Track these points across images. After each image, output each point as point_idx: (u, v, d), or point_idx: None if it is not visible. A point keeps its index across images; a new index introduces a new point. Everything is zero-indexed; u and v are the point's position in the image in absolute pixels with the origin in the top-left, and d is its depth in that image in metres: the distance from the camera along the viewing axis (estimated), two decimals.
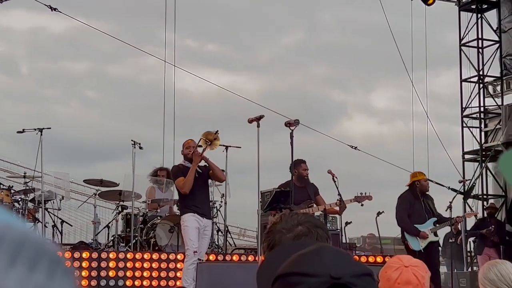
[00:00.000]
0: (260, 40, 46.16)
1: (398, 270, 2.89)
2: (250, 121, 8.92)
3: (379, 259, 10.50)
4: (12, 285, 0.63)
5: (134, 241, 10.48)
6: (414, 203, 10.30)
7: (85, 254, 9.41)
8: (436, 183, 10.69)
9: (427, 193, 10.46)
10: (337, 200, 9.41)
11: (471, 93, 16.42)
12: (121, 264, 9.46)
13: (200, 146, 8.74)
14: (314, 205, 9.48)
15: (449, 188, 10.94)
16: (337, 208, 9.59)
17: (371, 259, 10.65)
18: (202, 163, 8.76)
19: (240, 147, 11.06)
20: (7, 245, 0.65)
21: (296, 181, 9.43)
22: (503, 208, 15.74)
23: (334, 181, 9.39)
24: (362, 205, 9.73)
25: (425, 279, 2.92)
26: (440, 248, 10.74)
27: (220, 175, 9.03)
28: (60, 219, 11.47)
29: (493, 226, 13.11)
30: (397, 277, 2.86)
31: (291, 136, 8.55)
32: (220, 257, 9.88)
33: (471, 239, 14.00)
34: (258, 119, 8.83)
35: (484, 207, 14.83)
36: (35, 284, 0.65)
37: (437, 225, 10.25)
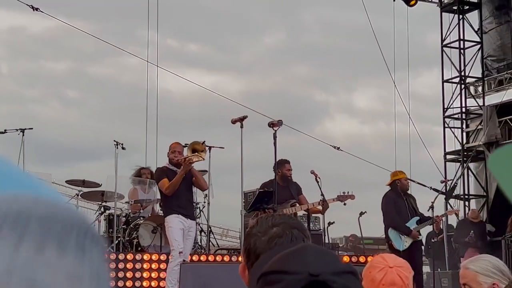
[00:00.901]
0: (242, 41, 46.17)
1: (383, 270, 2.89)
2: (234, 122, 8.93)
3: (361, 259, 10.54)
4: (42, 273, 0.61)
5: (117, 241, 10.45)
6: (398, 201, 10.35)
7: None
8: (418, 183, 10.75)
9: (408, 192, 10.52)
10: (320, 200, 9.43)
11: (453, 94, 16.54)
12: None
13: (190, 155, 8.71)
14: (297, 205, 9.50)
15: (431, 188, 11.01)
16: (319, 208, 9.61)
17: (354, 259, 10.68)
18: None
19: (223, 148, 11.06)
20: (34, 224, 0.63)
21: (280, 180, 9.45)
22: (485, 208, 15.86)
23: (317, 181, 9.42)
24: (344, 204, 9.76)
25: (409, 279, 2.92)
26: (423, 248, 10.77)
27: (203, 184, 9.07)
28: None
29: (473, 232, 13.20)
30: (381, 278, 2.86)
31: (275, 137, 8.57)
32: (203, 258, 9.87)
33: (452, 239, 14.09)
34: (242, 119, 8.84)
35: (467, 214, 14.89)
36: (66, 271, 0.62)
37: (420, 224, 10.30)
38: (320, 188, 9.44)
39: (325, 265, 1.23)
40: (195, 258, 9.71)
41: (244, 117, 8.87)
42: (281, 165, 9.52)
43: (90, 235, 0.66)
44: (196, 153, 8.66)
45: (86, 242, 0.65)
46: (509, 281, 3.13)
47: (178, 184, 8.49)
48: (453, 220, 14.98)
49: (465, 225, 13.78)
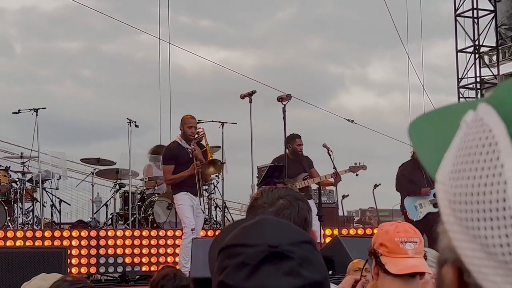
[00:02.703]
0: (254, 15, 45.92)
1: (394, 224, 2.96)
2: (242, 97, 8.91)
3: (376, 231, 10.54)
4: None
5: (133, 218, 10.54)
6: (415, 173, 10.29)
7: (84, 233, 9.45)
8: None
9: None
10: (332, 172, 9.43)
11: (467, 64, 16.42)
12: (119, 242, 9.51)
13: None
14: (309, 178, 9.51)
15: None
16: (332, 180, 9.61)
17: (368, 231, 10.71)
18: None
19: (236, 123, 11.06)
20: None
21: (290, 155, 9.46)
22: None
23: (329, 155, 9.41)
24: (357, 175, 9.75)
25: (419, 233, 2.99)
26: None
27: (207, 178, 9.15)
28: (58, 198, 11.51)
29: None
30: (394, 228, 2.92)
31: (284, 111, 8.55)
32: (218, 233, 9.93)
33: None
34: (250, 94, 8.83)
35: None
36: None
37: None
38: (332, 161, 9.44)
39: (283, 236, 1.26)
40: (210, 233, 9.78)
41: (253, 92, 8.84)
42: (291, 140, 9.51)
43: None
44: (208, 166, 8.70)
45: None
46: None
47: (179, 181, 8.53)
48: None
49: None
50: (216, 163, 8.88)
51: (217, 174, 10.09)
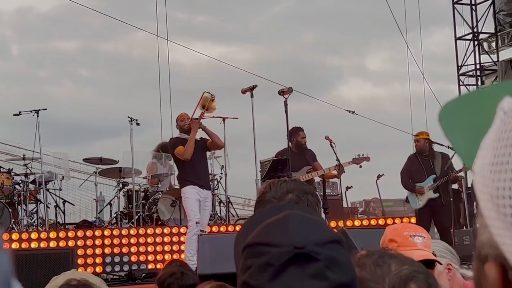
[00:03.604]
0: (250, 10, 45.93)
1: (402, 223, 3.03)
2: (244, 92, 8.89)
3: (381, 221, 10.55)
4: None
5: (137, 217, 10.53)
6: (414, 162, 10.42)
7: (89, 233, 9.45)
8: (436, 142, 10.69)
9: (437, 152, 10.48)
10: (336, 164, 9.42)
11: (466, 51, 16.37)
12: (125, 241, 9.51)
13: (198, 115, 8.69)
14: (313, 171, 9.49)
15: (448, 147, 10.96)
16: (335, 172, 9.60)
17: (373, 222, 10.70)
18: (199, 135, 8.76)
19: (237, 118, 11.03)
20: None
21: (294, 148, 9.44)
22: None
23: (332, 147, 9.40)
24: (360, 166, 9.74)
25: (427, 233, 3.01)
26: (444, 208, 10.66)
27: (219, 142, 8.98)
28: (62, 199, 11.51)
29: None
30: (402, 225, 2.98)
31: (285, 105, 8.52)
32: (223, 228, 9.93)
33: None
34: (251, 89, 8.81)
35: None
36: None
37: (434, 182, 10.30)
38: (335, 153, 9.42)
39: (310, 236, 1.22)
40: (215, 229, 9.77)
41: (254, 87, 8.83)
42: (295, 133, 9.50)
43: None
44: (205, 111, 8.66)
45: None
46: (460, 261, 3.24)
47: (193, 146, 8.49)
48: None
49: None
50: (205, 102, 8.77)
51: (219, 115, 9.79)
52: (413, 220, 10.45)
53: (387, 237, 2.98)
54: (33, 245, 9.02)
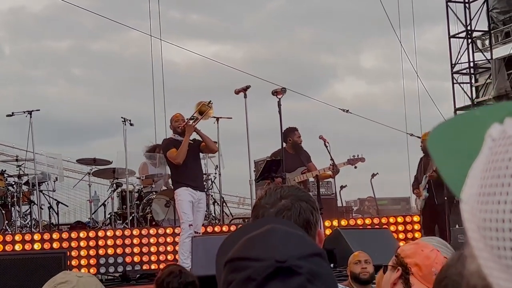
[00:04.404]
0: (244, 8, 45.83)
1: (434, 251, 2.95)
2: (237, 92, 8.88)
3: (376, 220, 10.55)
4: None
5: (131, 217, 10.51)
6: (420, 163, 10.59)
7: (82, 234, 9.42)
8: None
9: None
10: (330, 165, 9.41)
11: (460, 49, 16.39)
12: (119, 242, 9.48)
13: (194, 118, 8.67)
14: (307, 172, 9.48)
15: None
16: (330, 173, 9.59)
17: (367, 221, 10.69)
18: (192, 136, 8.73)
19: (231, 118, 11.02)
20: None
21: (290, 148, 9.43)
22: None
23: (326, 146, 9.38)
24: (355, 167, 9.75)
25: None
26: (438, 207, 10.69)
27: (212, 146, 8.97)
28: (56, 200, 11.47)
29: None
30: (435, 257, 2.90)
31: (279, 105, 8.50)
32: (217, 228, 9.92)
33: None
34: (245, 89, 8.79)
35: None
36: None
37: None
38: (329, 153, 9.41)
39: (291, 249, 1.21)
40: (209, 229, 9.76)
41: (247, 87, 8.81)
42: (291, 133, 9.48)
43: None
44: (202, 116, 8.63)
45: None
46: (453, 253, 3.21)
47: (186, 150, 8.45)
48: None
49: None
50: (202, 107, 8.75)
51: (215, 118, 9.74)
52: (416, 218, 10.48)
53: (415, 258, 2.90)
54: (27, 246, 8.99)
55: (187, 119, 8.69)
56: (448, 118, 0.72)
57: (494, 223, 0.61)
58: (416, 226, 10.49)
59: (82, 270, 9.13)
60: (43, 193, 11.11)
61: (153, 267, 9.44)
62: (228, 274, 1.22)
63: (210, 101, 8.82)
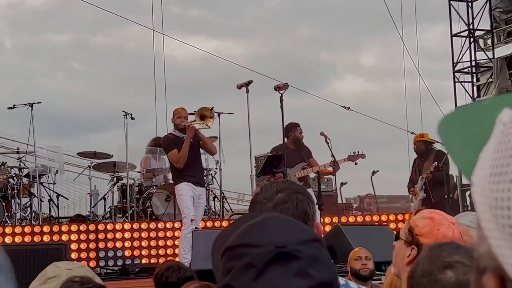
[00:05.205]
0: (244, 4, 45.79)
1: (450, 227, 2.88)
2: (239, 87, 8.87)
3: (375, 218, 10.55)
4: None
5: (131, 211, 10.51)
6: (414, 164, 10.62)
7: (82, 227, 9.42)
8: (431, 142, 10.71)
9: (434, 151, 10.55)
10: (331, 161, 9.42)
11: (462, 48, 16.38)
12: (119, 235, 9.49)
13: (195, 121, 8.64)
14: (308, 168, 9.49)
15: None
16: (330, 169, 9.60)
17: (367, 218, 10.70)
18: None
19: (232, 113, 11.03)
20: None
21: (291, 144, 9.43)
22: None
23: (327, 143, 9.40)
24: (356, 164, 9.76)
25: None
26: (435, 205, 10.74)
27: (212, 149, 8.98)
28: (56, 193, 11.48)
29: None
30: (451, 235, 2.85)
31: (281, 100, 8.50)
32: (217, 224, 9.93)
33: (467, 194, 14.05)
34: (247, 84, 8.79)
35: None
36: None
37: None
38: (330, 150, 9.42)
39: (290, 235, 1.22)
40: (209, 224, 9.77)
41: (250, 82, 8.81)
42: (293, 129, 9.49)
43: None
44: (202, 121, 8.62)
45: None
46: None
47: (187, 154, 8.43)
48: None
49: None
50: (204, 111, 8.74)
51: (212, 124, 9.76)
52: None
53: (430, 240, 2.85)
54: (26, 239, 9.00)
55: (185, 117, 8.64)
56: (458, 107, 0.74)
57: (506, 202, 0.62)
58: None
59: (82, 263, 9.13)
60: (44, 186, 11.12)
61: (152, 261, 9.45)
62: (227, 262, 1.23)
63: (212, 107, 8.84)
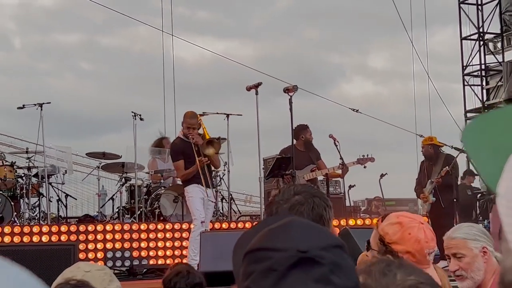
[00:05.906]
0: (252, 6, 45.77)
1: (420, 228, 2.87)
2: (249, 89, 8.86)
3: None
4: None
5: (139, 212, 10.51)
6: (422, 168, 10.57)
7: (90, 227, 9.43)
8: (440, 145, 10.68)
9: (443, 155, 10.49)
10: (340, 164, 9.41)
11: (472, 51, 16.35)
12: (126, 236, 9.49)
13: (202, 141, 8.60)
14: (317, 170, 9.48)
15: (452, 147, 10.94)
16: (339, 172, 9.59)
17: (375, 221, 10.67)
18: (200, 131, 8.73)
19: (241, 115, 11.02)
20: None
21: (300, 146, 9.42)
22: None
23: (336, 145, 9.38)
24: (365, 167, 9.75)
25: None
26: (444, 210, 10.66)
27: (216, 164, 9.00)
28: (64, 193, 11.49)
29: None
30: (424, 235, 2.84)
31: (290, 102, 8.49)
32: (225, 225, 9.92)
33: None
34: (256, 86, 8.78)
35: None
36: None
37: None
38: (339, 152, 9.40)
39: (313, 240, 1.20)
40: (217, 225, 9.76)
41: (259, 84, 8.80)
42: (303, 130, 9.48)
43: None
44: (207, 146, 8.56)
45: None
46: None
47: (193, 174, 8.46)
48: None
49: None
50: (213, 142, 8.73)
51: (220, 155, 9.81)
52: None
53: (406, 246, 2.84)
54: (35, 239, 9.01)
55: (193, 128, 8.54)
56: (482, 114, 0.72)
57: None
58: None
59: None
60: (52, 186, 11.14)
61: (160, 262, 9.44)
62: (248, 265, 1.21)
63: (219, 137, 8.85)
